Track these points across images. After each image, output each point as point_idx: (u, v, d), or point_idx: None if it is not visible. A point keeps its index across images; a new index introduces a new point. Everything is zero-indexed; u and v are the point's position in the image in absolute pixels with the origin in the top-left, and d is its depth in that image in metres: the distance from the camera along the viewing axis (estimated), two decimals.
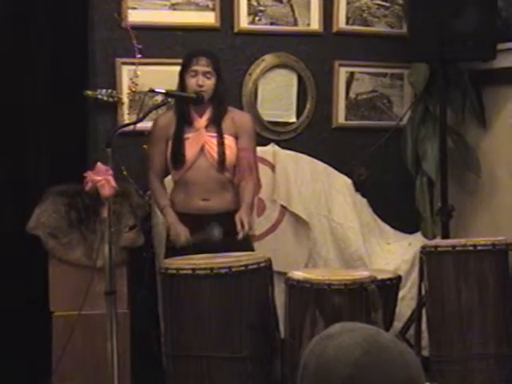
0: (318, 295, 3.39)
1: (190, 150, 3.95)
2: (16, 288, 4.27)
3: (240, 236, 3.81)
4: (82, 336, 3.96)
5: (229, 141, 3.98)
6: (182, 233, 3.90)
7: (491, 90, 4.74)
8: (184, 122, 3.98)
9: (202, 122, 3.98)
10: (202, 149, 3.96)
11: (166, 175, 4.14)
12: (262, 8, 4.64)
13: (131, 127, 3.95)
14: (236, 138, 4.01)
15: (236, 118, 4.05)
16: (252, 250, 4.03)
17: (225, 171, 3.97)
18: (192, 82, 3.93)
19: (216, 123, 3.98)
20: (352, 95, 4.87)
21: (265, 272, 3.56)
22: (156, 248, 4.32)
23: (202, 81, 3.93)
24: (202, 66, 3.94)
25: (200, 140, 3.96)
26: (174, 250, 3.92)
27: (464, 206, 4.83)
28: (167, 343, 3.59)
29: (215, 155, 3.94)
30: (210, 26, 4.54)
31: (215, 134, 3.97)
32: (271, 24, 4.67)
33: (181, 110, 3.99)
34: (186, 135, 3.97)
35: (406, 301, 4.39)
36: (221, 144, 3.95)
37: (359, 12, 4.83)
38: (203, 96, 3.91)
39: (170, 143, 3.98)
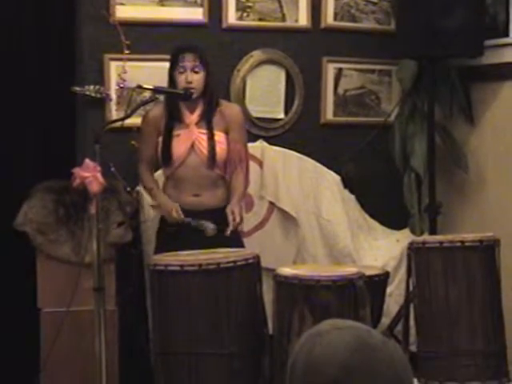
0: (306, 291, 3.39)
1: (181, 147, 3.94)
2: (3, 285, 4.25)
3: (229, 230, 3.81)
4: (70, 333, 3.96)
5: (219, 137, 3.97)
6: (173, 208, 3.89)
7: (479, 87, 4.75)
8: (174, 118, 3.98)
9: (192, 118, 3.97)
10: (193, 146, 3.96)
11: (157, 169, 4.14)
12: (250, 4, 4.64)
13: (119, 123, 3.94)
14: (226, 133, 4.01)
15: (225, 110, 4.04)
16: (242, 246, 4.03)
17: (215, 168, 3.96)
18: (181, 79, 3.93)
19: (207, 119, 3.98)
20: (340, 91, 4.87)
21: (253, 268, 3.56)
22: (144, 244, 4.31)
23: (191, 76, 3.93)
24: (189, 61, 3.94)
25: (190, 137, 3.95)
26: (165, 233, 3.95)
27: (452, 202, 4.84)
28: (155, 340, 3.59)
29: (205, 152, 3.94)
30: (197, 22, 4.53)
31: (205, 131, 3.96)
32: (259, 20, 4.67)
33: (171, 107, 3.99)
34: (177, 132, 3.96)
35: (394, 297, 4.40)
36: (211, 140, 3.95)
37: (347, 8, 4.83)
38: (191, 92, 3.91)
39: (161, 140, 3.98)
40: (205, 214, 3.90)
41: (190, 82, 3.92)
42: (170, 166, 3.97)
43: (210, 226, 3.82)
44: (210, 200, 3.95)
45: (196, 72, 3.94)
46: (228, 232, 3.82)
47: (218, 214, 3.90)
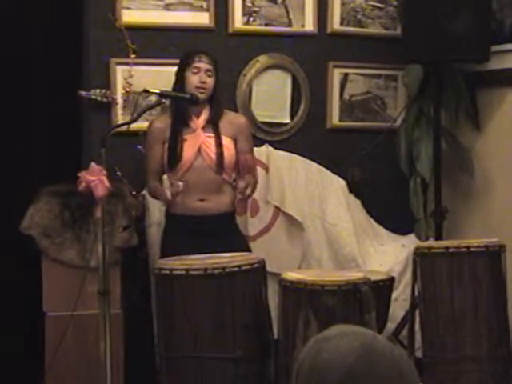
0: (311, 296, 3.39)
1: (188, 152, 3.94)
2: (9, 288, 4.26)
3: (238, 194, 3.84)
4: (74, 337, 3.96)
5: (226, 142, 3.97)
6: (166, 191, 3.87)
7: (485, 92, 4.74)
8: (181, 123, 3.97)
9: (199, 122, 3.97)
10: (200, 150, 3.95)
11: (163, 174, 4.13)
12: (256, 9, 4.64)
13: (125, 127, 3.94)
14: (233, 139, 4.01)
15: (233, 120, 4.05)
16: (249, 250, 4.02)
17: (222, 172, 3.96)
18: (194, 79, 3.93)
19: (213, 124, 3.97)
20: (346, 96, 4.87)
21: (258, 273, 3.56)
22: (150, 248, 4.32)
23: (205, 77, 3.93)
24: (204, 63, 3.94)
25: (197, 141, 3.95)
26: (170, 237, 3.96)
27: (457, 207, 4.83)
28: (160, 344, 3.59)
29: (213, 156, 3.93)
30: (204, 27, 4.54)
31: (213, 135, 3.96)
32: (266, 25, 4.67)
33: (177, 111, 3.99)
34: (184, 136, 3.96)
35: (400, 302, 4.40)
36: (219, 145, 3.94)
37: (353, 13, 4.83)
38: (198, 97, 3.91)
39: (167, 145, 3.97)
40: (210, 219, 3.89)
41: (204, 82, 3.92)
42: (176, 171, 3.97)
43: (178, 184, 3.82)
44: (216, 205, 3.95)
45: (209, 76, 3.95)
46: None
47: (223, 220, 3.90)
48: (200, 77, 3.93)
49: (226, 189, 4.01)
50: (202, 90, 3.92)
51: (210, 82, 3.95)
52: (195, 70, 3.94)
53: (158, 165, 4.02)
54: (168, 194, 3.85)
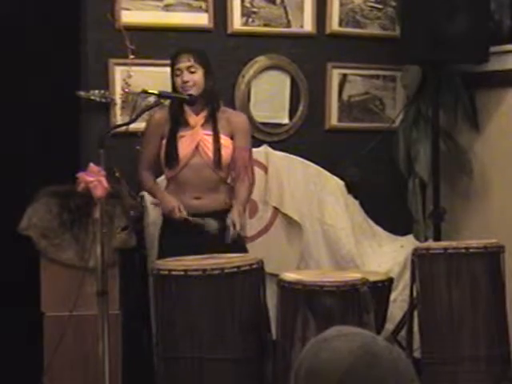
0: (309, 297, 3.39)
1: (185, 149, 3.94)
2: (7, 289, 4.26)
3: (228, 239, 3.81)
4: (73, 337, 3.96)
5: (224, 140, 3.98)
6: (176, 206, 3.89)
7: (484, 93, 4.75)
8: (179, 121, 3.98)
9: (197, 119, 3.97)
10: (197, 147, 3.95)
11: (158, 175, 4.13)
12: (255, 9, 4.64)
13: (124, 128, 3.94)
14: (231, 137, 4.01)
15: (231, 117, 4.05)
16: (245, 250, 4.03)
17: (219, 170, 3.96)
18: (178, 82, 3.95)
19: (212, 121, 3.98)
20: (345, 97, 4.88)
21: (257, 273, 3.56)
22: (148, 249, 4.31)
23: (187, 76, 3.93)
24: (183, 62, 3.95)
25: (195, 138, 3.95)
26: (168, 237, 3.96)
27: (456, 208, 4.84)
28: (159, 344, 3.59)
29: (210, 154, 3.94)
30: (203, 28, 4.54)
31: (211, 133, 3.96)
32: (264, 25, 4.68)
33: (175, 110, 3.99)
34: (181, 133, 3.96)
35: (398, 303, 4.40)
36: (217, 143, 3.95)
37: (352, 14, 4.83)
38: (195, 97, 3.91)
39: (164, 142, 3.98)
40: (206, 217, 3.90)
41: (186, 82, 3.93)
42: (173, 168, 3.97)
43: (212, 223, 3.84)
44: (211, 203, 3.95)
45: (192, 72, 3.95)
46: (228, 240, 3.82)
47: (218, 217, 3.90)
48: (181, 77, 3.94)
49: (222, 187, 4.01)
50: (186, 89, 3.92)
51: (195, 77, 3.95)
52: (178, 72, 3.95)
53: (152, 156, 4.03)
54: (176, 210, 3.87)
